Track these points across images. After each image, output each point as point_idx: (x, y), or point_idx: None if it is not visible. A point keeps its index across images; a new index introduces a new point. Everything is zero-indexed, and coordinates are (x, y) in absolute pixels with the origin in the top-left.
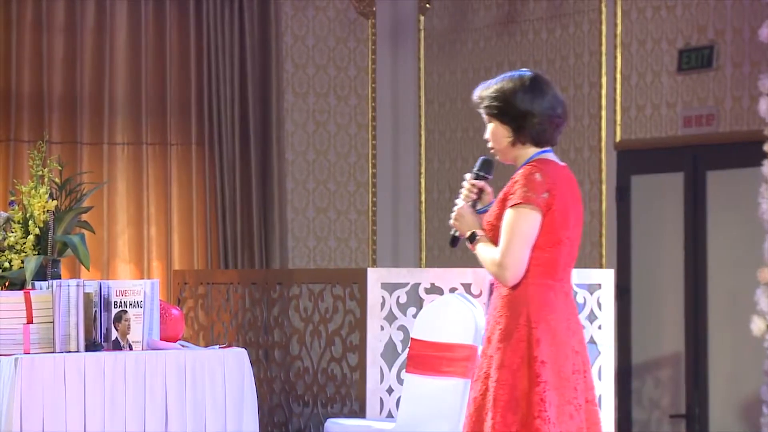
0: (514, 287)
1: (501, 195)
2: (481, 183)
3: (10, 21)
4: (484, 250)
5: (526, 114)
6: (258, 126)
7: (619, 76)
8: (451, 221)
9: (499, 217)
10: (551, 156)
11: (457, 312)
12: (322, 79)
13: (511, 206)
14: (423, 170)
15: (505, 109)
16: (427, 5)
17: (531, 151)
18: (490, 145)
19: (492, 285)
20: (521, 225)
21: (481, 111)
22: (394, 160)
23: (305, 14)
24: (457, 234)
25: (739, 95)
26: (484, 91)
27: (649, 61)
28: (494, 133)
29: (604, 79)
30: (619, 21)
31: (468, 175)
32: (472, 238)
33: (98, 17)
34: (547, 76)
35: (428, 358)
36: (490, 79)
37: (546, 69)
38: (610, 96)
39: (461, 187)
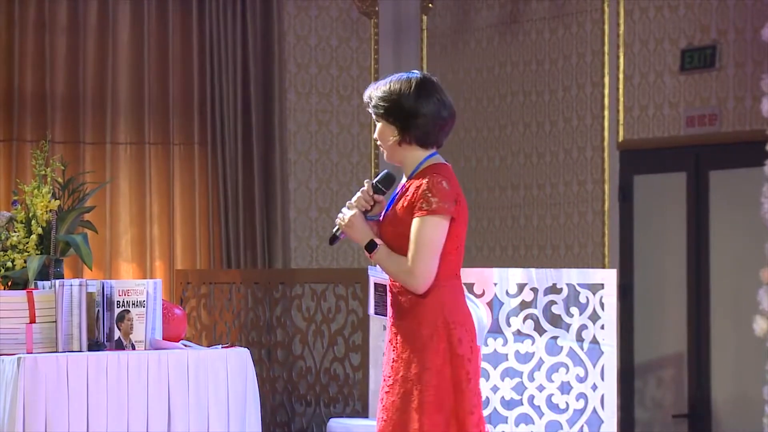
0: (426, 292)
1: (405, 202)
2: (379, 197)
3: (13, 21)
4: (389, 259)
5: (411, 115)
6: (260, 125)
7: (621, 75)
8: (338, 221)
9: (401, 222)
10: (440, 158)
11: None
12: (325, 78)
13: (421, 216)
14: None
15: (391, 109)
16: (430, 5)
17: (418, 153)
18: (378, 143)
19: (387, 289)
20: (432, 235)
21: (370, 110)
22: None
23: (308, 14)
24: (339, 234)
25: (741, 95)
26: (374, 91)
27: (651, 61)
28: (381, 132)
29: (606, 79)
30: (621, 21)
31: (366, 183)
32: (371, 247)
33: (101, 17)
34: (550, 75)
35: None
36: (380, 80)
37: (548, 69)
38: (613, 96)
39: (357, 192)
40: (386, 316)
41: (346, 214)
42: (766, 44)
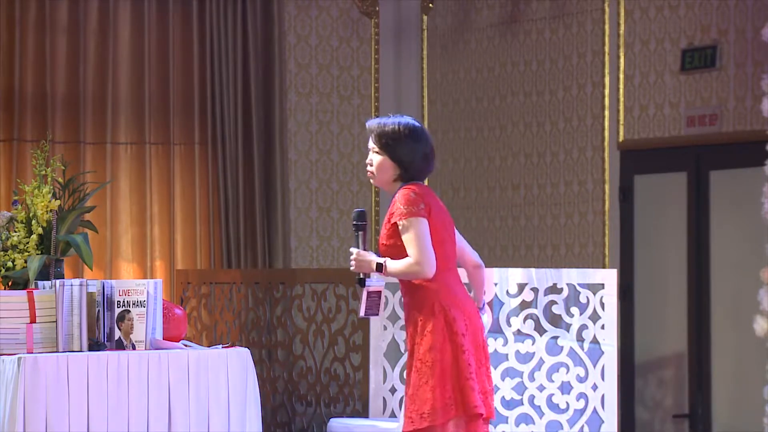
0: (421, 286)
1: (386, 217)
2: (362, 231)
3: (14, 21)
4: (396, 264)
5: (413, 160)
6: (261, 125)
7: (622, 75)
8: (353, 268)
9: (390, 236)
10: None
11: None
12: (325, 78)
13: (402, 221)
14: None
15: (398, 151)
16: (430, 5)
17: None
18: (370, 169)
19: (380, 294)
20: (418, 230)
21: (373, 142)
22: None
23: (308, 14)
24: (362, 276)
25: (742, 95)
26: (383, 126)
27: (652, 61)
28: (382, 166)
29: (607, 79)
30: (622, 21)
31: (353, 249)
32: (381, 267)
33: (101, 17)
34: (550, 75)
35: None
36: (385, 117)
37: (549, 69)
38: (613, 96)
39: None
40: (377, 316)
41: (351, 258)
42: (766, 44)
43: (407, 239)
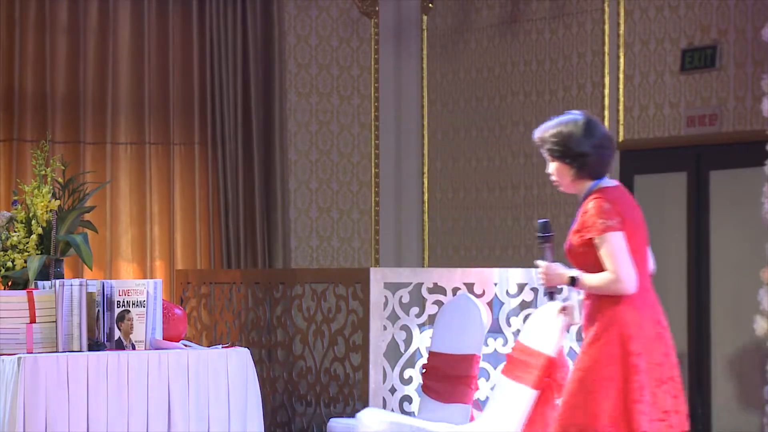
0: (604, 297)
1: (576, 226)
2: (549, 243)
3: (14, 21)
4: (594, 279)
5: (583, 155)
6: (261, 125)
7: (622, 75)
8: (540, 281)
9: (583, 244)
10: (606, 182)
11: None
12: (325, 78)
13: (598, 237)
14: (426, 170)
15: (565, 151)
16: (430, 5)
17: (590, 182)
18: (553, 178)
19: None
20: (616, 245)
21: (543, 152)
22: (397, 159)
23: (308, 14)
24: (550, 290)
25: (742, 95)
26: (544, 133)
27: (652, 61)
28: (558, 171)
29: (607, 79)
30: (622, 21)
31: (539, 262)
32: (574, 280)
33: (101, 17)
34: (550, 75)
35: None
36: (548, 122)
37: (549, 69)
38: (613, 96)
39: (539, 245)
40: (575, 323)
41: (539, 271)
42: (766, 44)
43: (604, 255)
